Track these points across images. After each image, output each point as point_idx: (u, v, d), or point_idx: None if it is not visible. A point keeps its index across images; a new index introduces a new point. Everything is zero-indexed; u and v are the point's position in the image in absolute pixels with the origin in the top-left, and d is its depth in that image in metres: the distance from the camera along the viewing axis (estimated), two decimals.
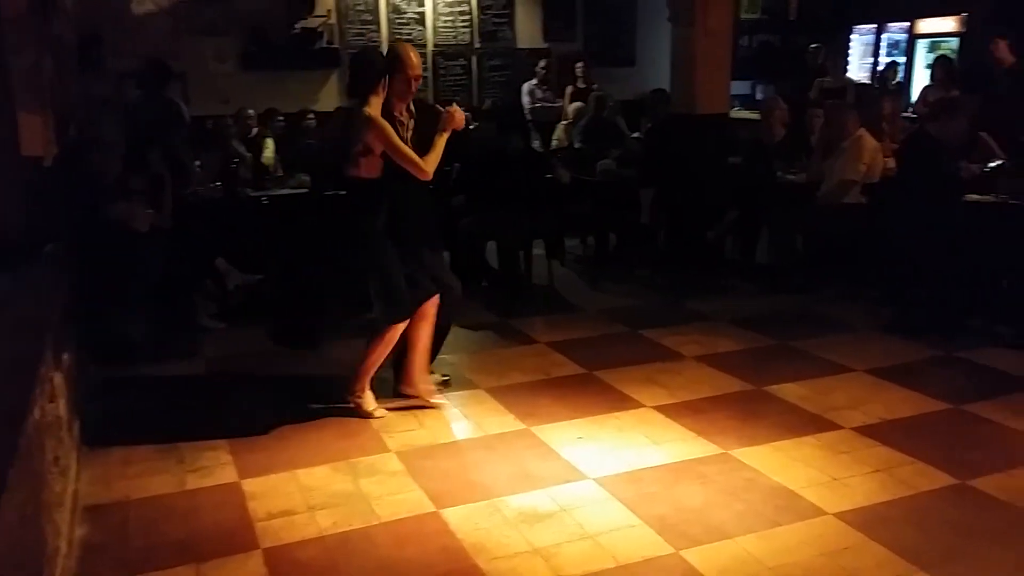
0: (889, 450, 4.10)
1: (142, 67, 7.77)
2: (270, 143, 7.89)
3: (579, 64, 10.40)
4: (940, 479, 3.82)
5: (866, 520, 3.49)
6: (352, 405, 4.66)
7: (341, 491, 3.85)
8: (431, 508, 3.69)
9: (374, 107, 4.36)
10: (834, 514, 3.55)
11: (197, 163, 7.12)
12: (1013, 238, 5.61)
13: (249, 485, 3.92)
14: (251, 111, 7.99)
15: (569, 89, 10.25)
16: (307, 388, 5.13)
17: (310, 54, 9.99)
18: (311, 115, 8.41)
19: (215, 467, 4.10)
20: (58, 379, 3.64)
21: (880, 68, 10.22)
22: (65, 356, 3.96)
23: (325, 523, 3.58)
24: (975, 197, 5.95)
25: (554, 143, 9.53)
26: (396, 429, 4.49)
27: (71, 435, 3.88)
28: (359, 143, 4.36)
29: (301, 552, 3.39)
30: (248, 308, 6.47)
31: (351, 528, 3.54)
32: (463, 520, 3.58)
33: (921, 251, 5.76)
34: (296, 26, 9.92)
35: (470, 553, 3.34)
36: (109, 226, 5.65)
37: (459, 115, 4.53)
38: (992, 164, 6.26)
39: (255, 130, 7.93)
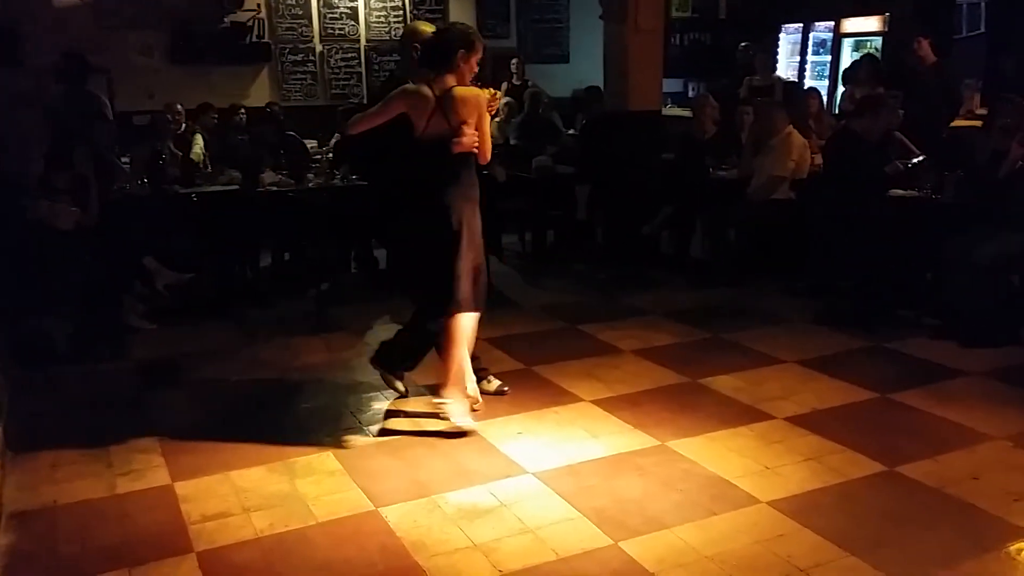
0: (820, 439, 4.19)
1: (61, 61, 7.55)
2: (199, 139, 7.75)
3: (514, 61, 10.42)
4: (869, 466, 3.91)
5: (799, 507, 3.56)
6: (442, 417, 4.37)
7: (277, 492, 3.79)
8: (369, 507, 3.65)
9: (451, 84, 4.20)
10: (768, 502, 3.61)
11: (124, 160, 6.95)
12: (936, 232, 5.77)
13: (182, 488, 3.84)
14: (179, 106, 7.83)
15: (504, 86, 10.25)
16: (241, 389, 5.05)
17: (240, 48, 9.83)
18: (242, 111, 8.29)
19: (146, 470, 4.01)
20: None
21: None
22: None
23: (261, 524, 3.52)
24: (899, 192, 6.12)
25: None
26: (334, 428, 4.44)
27: None
28: (462, 120, 4.15)
29: (237, 555, 3.33)
30: (179, 308, 6.35)
31: (288, 529, 3.49)
32: (402, 518, 3.55)
33: (848, 244, 5.90)
34: (225, 20, 9.76)
35: (410, 551, 3.31)
36: (32, 225, 5.49)
37: (495, 99, 4.48)
38: (915, 160, 6.44)
39: (184, 125, 7.77)
